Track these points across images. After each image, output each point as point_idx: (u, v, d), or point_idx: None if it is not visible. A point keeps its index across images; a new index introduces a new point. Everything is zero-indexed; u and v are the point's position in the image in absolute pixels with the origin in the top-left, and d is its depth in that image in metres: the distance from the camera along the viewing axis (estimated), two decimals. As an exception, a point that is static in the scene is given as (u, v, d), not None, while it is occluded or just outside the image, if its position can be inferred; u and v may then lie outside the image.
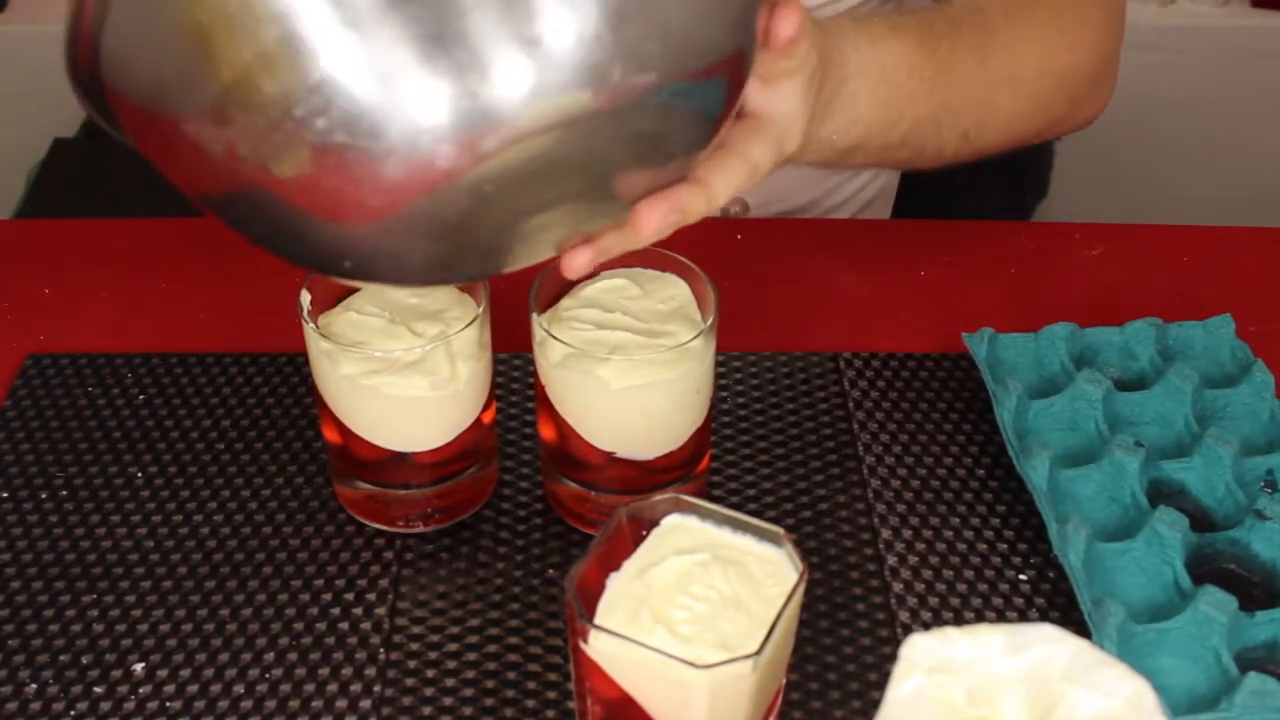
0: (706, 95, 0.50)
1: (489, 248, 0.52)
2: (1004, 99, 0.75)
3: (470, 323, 0.64)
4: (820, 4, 0.91)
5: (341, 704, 0.61)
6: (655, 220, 0.53)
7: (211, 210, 0.52)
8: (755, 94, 0.58)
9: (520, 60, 0.44)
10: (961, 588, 0.67)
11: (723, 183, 0.56)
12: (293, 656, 0.63)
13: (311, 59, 0.43)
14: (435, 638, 0.64)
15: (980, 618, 0.65)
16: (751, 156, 0.57)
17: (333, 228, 0.48)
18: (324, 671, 0.62)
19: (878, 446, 0.75)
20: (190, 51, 0.44)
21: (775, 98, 0.57)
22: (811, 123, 0.63)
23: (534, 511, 0.71)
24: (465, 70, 0.43)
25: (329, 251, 0.50)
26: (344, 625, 0.65)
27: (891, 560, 0.68)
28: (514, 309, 0.68)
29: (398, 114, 0.44)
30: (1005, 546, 0.69)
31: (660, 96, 0.47)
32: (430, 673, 0.63)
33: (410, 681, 0.62)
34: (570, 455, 0.68)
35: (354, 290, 0.68)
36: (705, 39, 0.48)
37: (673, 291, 0.67)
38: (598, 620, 0.53)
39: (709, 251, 0.69)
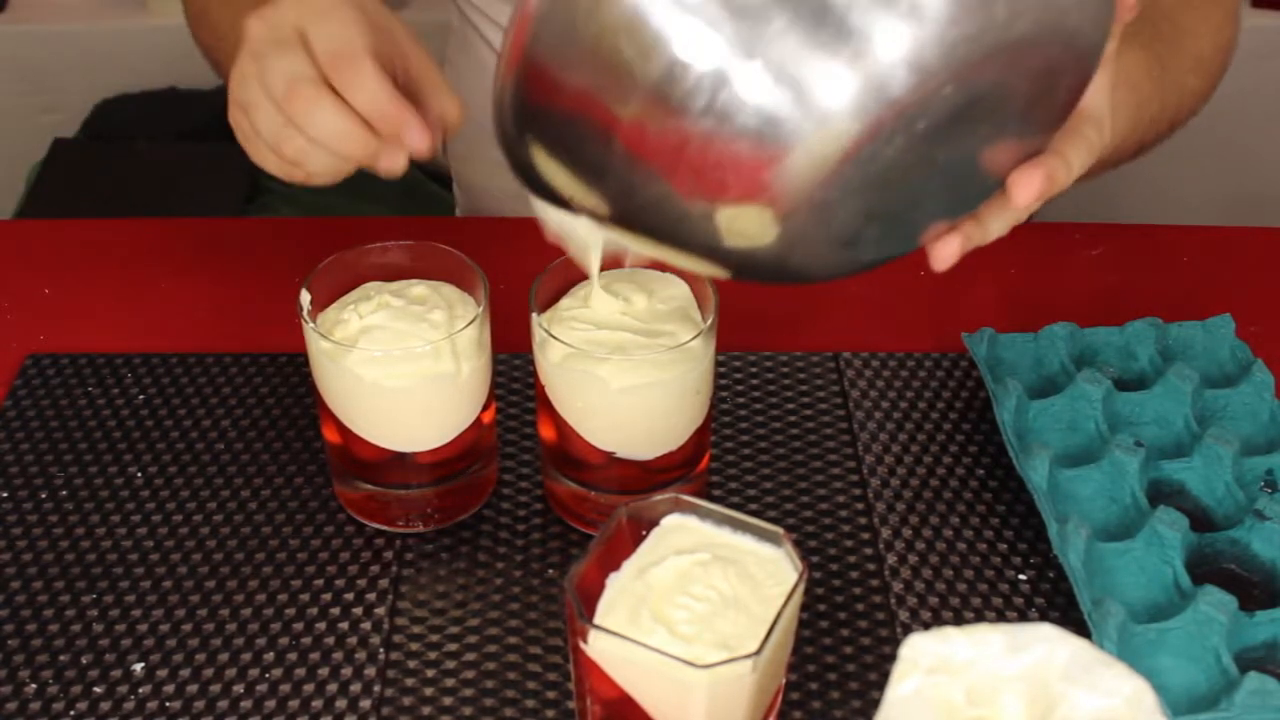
0: (1092, 52, 0.51)
1: (893, 216, 0.52)
2: (1193, 82, 0.79)
3: (470, 322, 0.64)
4: None
5: (341, 704, 0.61)
6: (1035, 185, 0.54)
7: (633, 219, 0.52)
8: None
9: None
10: (961, 588, 0.67)
11: (1074, 154, 0.57)
12: (293, 656, 0.63)
13: (709, 57, 0.45)
14: (435, 638, 0.64)
15: (980, 618, 0.65)
16: (1087, 135, 0.58)
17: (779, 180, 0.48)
18: (324, 671, 0.62)
19: (878, 446, 0.75)
20: (610, 60, 0.46)
21: (1089, 93, 0.58)
22: None
23: (534, 511, 0.71)
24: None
25: (762, 215, 0.50)
26: (344, 625, 0.65)
27: (891, 560, 0.68)
28: (514, 309, 0.68)
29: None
30: (1005, 546, 0.69)
31: (1059, 48, 0.49)
32: (430, 673, 0.63)
33: (410, 681, 0.62)
34: (570, 455, 0.68)
35: (353, 290, 0.68)
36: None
37: (673, 291, 0.67)
38: (598, 620, 0.53)
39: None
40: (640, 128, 0.47)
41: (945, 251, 0.56)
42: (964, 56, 0.45)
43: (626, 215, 0.52)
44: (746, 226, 0.49)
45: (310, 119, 0.59)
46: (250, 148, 0.64)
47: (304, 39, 0.60)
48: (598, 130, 0.48)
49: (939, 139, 0.48)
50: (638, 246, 0.55)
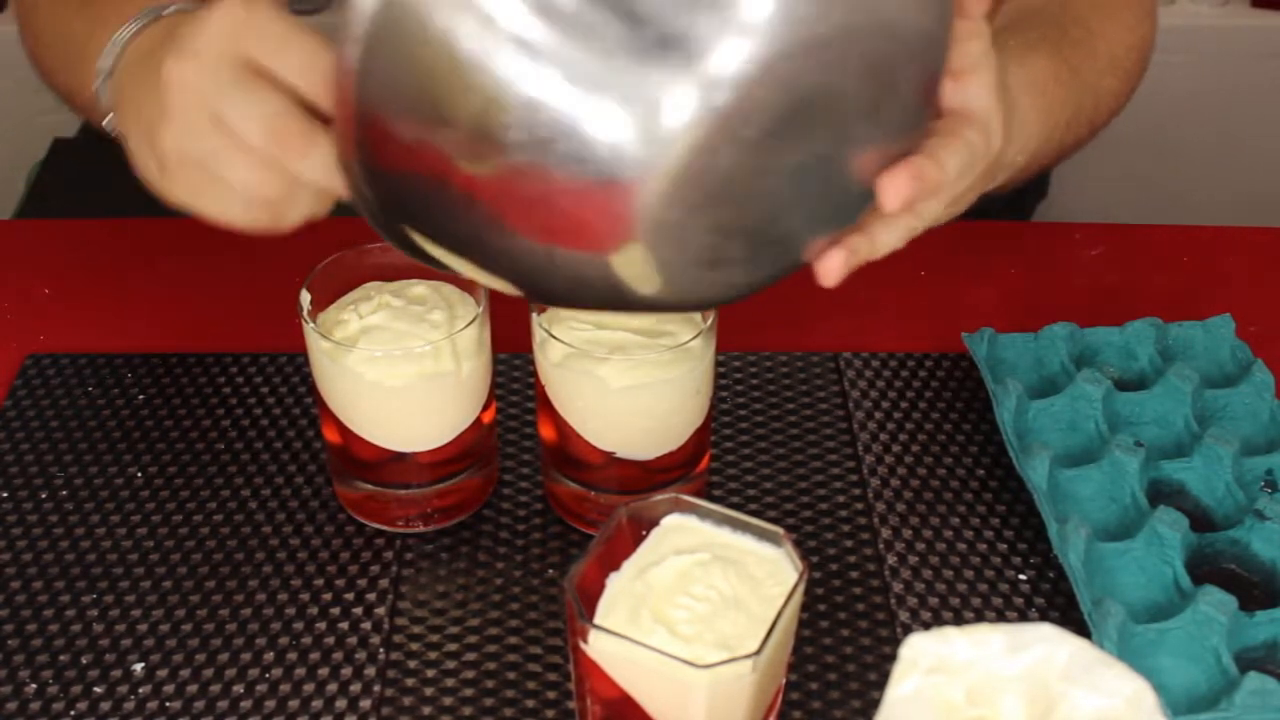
0: (924, 44, 0.51)
1: (752, 231, 0.51)
2: (1109, 83, 0.79)
3: (471, 322, 0.64)
4: None
5: (341, 704, 0.61)
6: (902, 187, 0.52)
7: (486, 268, 0.52)
8: (950, 93, 0.58)
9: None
10: (961, 588, 0.67)
11: (948, 155, 0.55)
12: (293, 656, 0.63)
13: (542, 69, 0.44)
14: (435, 638, 0.64)
15: (980, 618, 0.65)
16: (967, 138, 0.57)
17: (612, 212, 0.47)
18: (324, 671, 0.62)
19: (878, 446, 0.75)
20: (435, 98, 0.46)
21: (969, 94, 0.58)
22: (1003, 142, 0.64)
23: (534, 511, 0.71)
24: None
25: (604, 258, 0.49)
26: (344, 625, 0.65)
27: (891, 560, 0.68)
28: (514, 309, 0.68)
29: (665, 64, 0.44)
30: (1005, 546, 0.69)
31: (883, 40, 0.48)
32: (430, 673, 0.63)
33: (410, 681, 0.62)
34: (570, 455, 0.68)
35: (354, 289, 0.68)
36: None
37: (673, 291, 0.67)
38: (598, 620, 0.53)
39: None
40: (470, 173, 0.46)
41: (829, 266, 0.55)
42: (773, 59, 0.45)
43: (493, 272, 0.52)
44: (599, 263, 0.49)
45: (307, 160, 0.52)
46: (205, 203, 0.57)
47: (261, 71, 0.53)
48: (435, 184, 0.47)
49: (775, 145, 0.47)
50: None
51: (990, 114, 0.59)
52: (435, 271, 0.68)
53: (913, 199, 0.53)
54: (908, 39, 0.49)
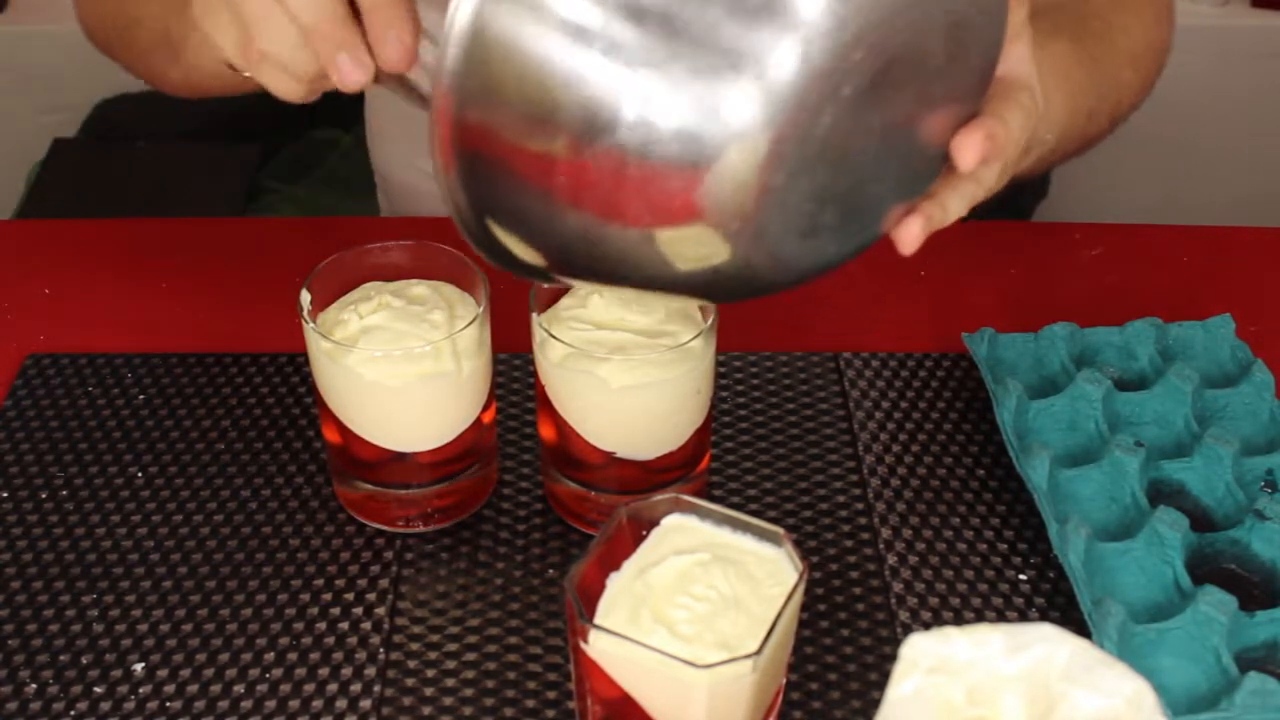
0: (996, 5, 0.52)
1: (843, 197, 0.52)
2: (1128, 77, 0.80)
3: (471, 322, 0.65)
4: None
5: (341, 704, 0.61)
6: (976, 144, 0.54)
7: (604, 272, 0.52)
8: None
9: None
10: (961, 588, 0.67)
11: (1010, 114, 0.57)
12: (293, 656, 0.63)
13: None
14: (435, 638, 0.64)
15: (980, 618, 0.65)
16: (1021, 101, 0.58)
17: (723, 176, 0.47)
18: (324, 671, 0.62)
19: (878, 446, 0.75)
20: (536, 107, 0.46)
21: (1010, 62, 0.59)
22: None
23: (534, 511, 0.71)
24: None
25: (708, 232, 0.49)
26: (344, 625, 0.65)
27: (891, 560, 0.68)
28: (514, 309, 0.68)
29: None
30: (1005, 546, 0.69)
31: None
32: (430, 673, 0.63)
33: (410, 681, 0.62)
34: (570, 455, 0.68)
35: (354, 289, 0.68)
36: None
37: (673, 291, 0.67)
38: (598, 620, 0.53)
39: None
40: (579, 166, 0.47)
41: (909, 233, 0.56)
42: (868, 17, 0.46)
43: (597, 270, 0.52)
44: (706, 241, 0.49)
45: None
46: (209, 19, 0.59)
47: None
48: (541, 185, 0.48)
49: (868, 104, 0.48)
50: (616, 296, 0.54)
51: (1033, 78, 0.60)
52: (435, 271, 0.68)
53: (985, 158, 0.54)
54: (981, 1, 0.51)
